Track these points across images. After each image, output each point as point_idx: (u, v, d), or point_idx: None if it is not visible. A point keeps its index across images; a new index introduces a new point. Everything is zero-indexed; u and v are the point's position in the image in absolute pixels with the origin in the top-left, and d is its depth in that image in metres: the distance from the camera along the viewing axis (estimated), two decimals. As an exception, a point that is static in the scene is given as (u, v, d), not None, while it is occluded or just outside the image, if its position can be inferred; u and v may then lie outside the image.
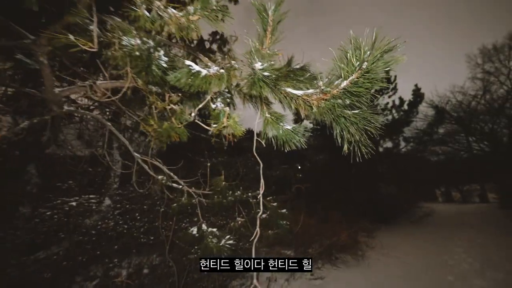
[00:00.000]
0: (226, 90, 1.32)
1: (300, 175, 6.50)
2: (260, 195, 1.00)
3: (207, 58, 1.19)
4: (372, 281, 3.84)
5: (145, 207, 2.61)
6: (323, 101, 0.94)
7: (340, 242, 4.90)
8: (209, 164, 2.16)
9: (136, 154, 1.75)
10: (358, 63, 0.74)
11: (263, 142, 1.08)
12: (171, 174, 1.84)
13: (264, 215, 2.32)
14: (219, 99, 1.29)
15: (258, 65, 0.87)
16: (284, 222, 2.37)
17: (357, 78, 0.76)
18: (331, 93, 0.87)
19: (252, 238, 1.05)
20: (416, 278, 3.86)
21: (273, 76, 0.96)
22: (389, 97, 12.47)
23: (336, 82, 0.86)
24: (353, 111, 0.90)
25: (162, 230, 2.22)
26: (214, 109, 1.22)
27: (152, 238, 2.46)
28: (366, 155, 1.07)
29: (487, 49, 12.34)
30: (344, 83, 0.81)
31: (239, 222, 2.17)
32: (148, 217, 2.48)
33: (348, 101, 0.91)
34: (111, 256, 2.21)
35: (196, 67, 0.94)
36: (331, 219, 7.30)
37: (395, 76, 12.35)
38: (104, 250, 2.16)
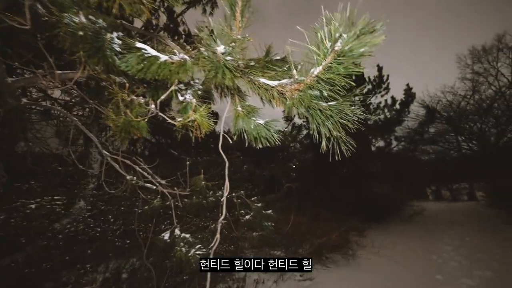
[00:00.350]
0: (197, 81, 1.20)
1: (294, 174, 6.42)
2: (224, 198, 0.89)
3: (173, 44, 1.06)
4: (362, 281, 3.79)
5: (122, 208, 2.47)
6: (296, 92, 0.83)
7: (330, 241, 4.85)
8: (188, 162, 2.04)
9: (105, 152, 1.61)
10: (330, 44, 0.64)
11: (229, 139, 0.97)
12: (145, 173, 1.71)
13: (247, 216, 2.22)
14: (189, 91, 1.17)
15: (220, 49, 0.75)
16: (269, 223, 2.26)
17: (331, 62, 0.66)
18: (304, 82, 0.76)
19: (211, 245, 0.94)
20: (406, 278, 3.84)
21: (241, 63, 0.84)
22: (382, 96, 12.56)
23: (311, 70, 0.76)
24: (329, 103, 0.80)
25: (139, 233, 2.09)
26: (182, 102, 1.10)
27: (128, 241, 2.32)
28: (346, 153, 0.97)
29: (476, 50, 12.58)
30: (317, 70, 0.70)
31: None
32: (125, 219, 2.34)
33: (325, 93, 0.81)
34: (84, 261, 2.06)
35: (152, 52, 0.82)
36: (322, 218, 7.27)
37: (387, 76, 12.43)
38: (76, 255, 2.01)
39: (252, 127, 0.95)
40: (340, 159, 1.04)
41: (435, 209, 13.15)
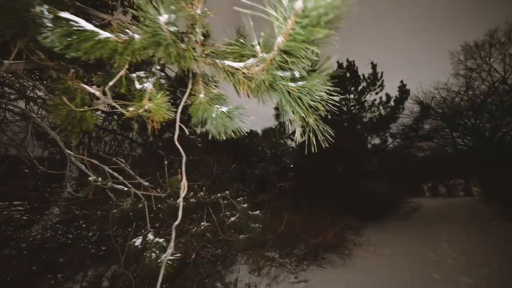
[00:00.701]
0: (159, 68, 1.06)
1: (291, 174, 6.29)
2: (181, 199, 0.75)
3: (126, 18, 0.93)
4: (358, 282, 3.68)
5: (99, 212, 2.31)
6: (262, 72, 0.70)
7: (326, 241, 4.74)
8: (166, 161, 1.90)
9: (68, 151, 1.46)
10: (288, 1, 0.51)
11: (186, 130, 0.84)
12: (115, 174, 1.57)
13: (233, 218, 2.08)
14: (150, 79, 1.03)
15: (163, 18, 0.62)
16: (256, 225, 2.13)
17: (292, 28, 0.53)
18: (268, 59, 0.64)
19: (164, 256, 0.80)
20: (403, 277, 3.74)
21: (195, 39, 0.71)
22: (376, 93, 12.54)
23: (274, 43, 0.63)
24: (297, 83, 0.67)
25: (117, 239, 1.94)
26: (140, 90, 0.96)
27: (103, 248, 2.16)
28: (323, 144, 0.85)
29: (469, 46, 12.62)
30: (279, 40, 0.58)
31: (203, 227, 1.92)
32: (102, 224, 2.18)
33: (297, 73, 0.68)
34: (56, 271, 1.90)
35: (87, 26, 0.68)
36: (317, 217, 7.16)
37: (382, 73, 12.41)
38: (45, 264, 1.85)
39: (214, 115, 0.82)
40: (316, 151, 0.91)
41: (431, 206, 13.17)
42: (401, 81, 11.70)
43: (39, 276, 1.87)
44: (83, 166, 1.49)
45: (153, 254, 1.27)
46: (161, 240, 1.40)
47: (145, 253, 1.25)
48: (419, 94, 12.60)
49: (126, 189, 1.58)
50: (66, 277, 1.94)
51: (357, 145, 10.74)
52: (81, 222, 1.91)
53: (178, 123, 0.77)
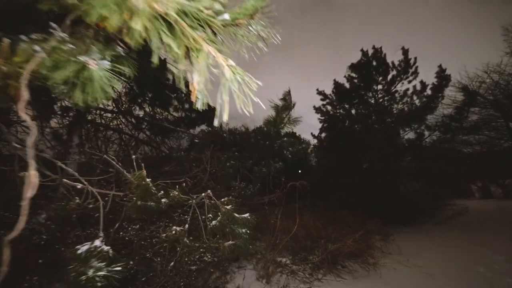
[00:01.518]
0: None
1: (300, 171, 5.80)
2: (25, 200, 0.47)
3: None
4: (383, 298, 3.12)
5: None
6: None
7: (347, 247, 4.19)
8: (134, 156, 1.68)
9: (16, 144, 1.31)
10: None
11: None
12: (70, 170, 1.39)
13: (214, 222, 1.79)
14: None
15: None
16: (244, 230, 1.81)
17: None
18: None
19: None
20: (442, 296, 3.07)
21: None
22: (409, 82, 11.17)
23: None
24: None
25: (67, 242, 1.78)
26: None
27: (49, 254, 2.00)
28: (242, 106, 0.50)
29: (528, 19, 10.50)
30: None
31: (175, 232, 1.66)
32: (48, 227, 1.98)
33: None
34: (30, 272, 1.80)
35: None
36: (340, 221, 6.54)
37: (415, 59, 11.02)
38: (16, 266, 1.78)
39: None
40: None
41: (481, 209, 11.35)
42: (440, 66, 10.20)
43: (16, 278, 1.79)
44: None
45: (89, 270, 1.04)
46: (106, 248, 1.17)
47: (74, 266, 1.02)
48: (463, 79, 10.87)
49: (80, 186, 1.38)
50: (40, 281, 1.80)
51: (387, 140, 9.67)
52: (49, 222, 1.80)
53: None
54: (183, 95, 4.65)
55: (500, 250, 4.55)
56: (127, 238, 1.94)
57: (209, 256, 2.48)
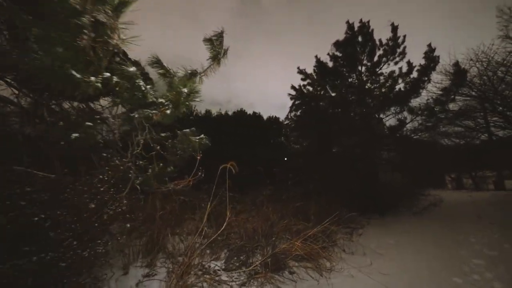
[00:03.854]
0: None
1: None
2: None
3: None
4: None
5: None
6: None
7: (295, 249, 3.27)
8: None
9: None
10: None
11: None
12: None
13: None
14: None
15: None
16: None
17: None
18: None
19: None
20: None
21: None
22: (396, 63, 10.24)
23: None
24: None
25: None
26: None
27: None
28: None
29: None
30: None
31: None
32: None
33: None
34: None
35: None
36: (305, 210, 5.69)
37: (404, 36, 10.03)
38: None
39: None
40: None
41: (455, 199, 11.17)
42: (429, 45, 9.29)
43: None
44: None
45: None
46: None
47: None
48: (452, 62, 10.07)
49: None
50: None
51: (367, 126, 8.84)
52: None
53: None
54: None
55: (478, 251, 3.86)
56: None
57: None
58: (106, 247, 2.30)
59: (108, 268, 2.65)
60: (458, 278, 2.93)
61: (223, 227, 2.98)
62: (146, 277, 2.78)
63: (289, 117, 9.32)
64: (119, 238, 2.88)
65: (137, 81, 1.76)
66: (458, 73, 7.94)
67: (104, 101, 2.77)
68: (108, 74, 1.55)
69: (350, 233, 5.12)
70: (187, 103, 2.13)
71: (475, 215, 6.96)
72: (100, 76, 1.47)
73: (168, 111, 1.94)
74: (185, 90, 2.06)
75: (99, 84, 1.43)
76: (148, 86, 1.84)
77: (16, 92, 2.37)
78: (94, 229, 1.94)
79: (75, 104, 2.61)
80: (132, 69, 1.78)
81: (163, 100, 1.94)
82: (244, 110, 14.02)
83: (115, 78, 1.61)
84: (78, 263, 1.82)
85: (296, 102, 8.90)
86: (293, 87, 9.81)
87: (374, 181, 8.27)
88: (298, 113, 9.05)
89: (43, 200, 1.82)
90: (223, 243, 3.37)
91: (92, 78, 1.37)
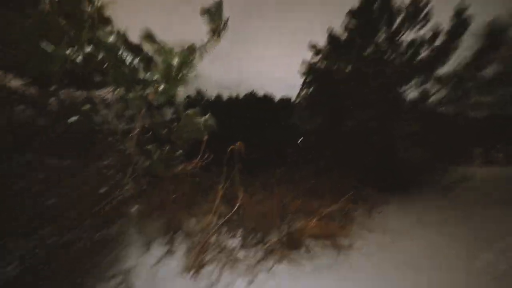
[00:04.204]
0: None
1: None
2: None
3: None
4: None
5: None
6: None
7: (311, 227, 3.21)
8: None
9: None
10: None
11: None
12: None
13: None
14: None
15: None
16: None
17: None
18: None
19: None
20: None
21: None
22: (419, 30, 9.23)
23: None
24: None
25: None
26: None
27: None
28: None
29: None
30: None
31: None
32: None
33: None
34: None
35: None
36: (321, 190, 5.55)
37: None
38: None
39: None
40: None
41: (485, 176, 10.44)
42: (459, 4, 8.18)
43: None
44: None
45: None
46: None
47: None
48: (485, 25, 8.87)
49: None
50: None
51: (385, 99, 8.26)
52: None
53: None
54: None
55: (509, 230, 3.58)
56: None
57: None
58: (123, 228, 2.35)
59: (129, 247, 2.75)
60: (489, 254, 2.72)
61: (236, 207, 2.96)
62: (166, 255, 2.87)
63: (300, 95, 8.93)
64: (137, 221, 2.96)
65: (120, 53, 1.65)
66: (494, 31, 6.95)
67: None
68: (90, 48, 1.45)
69: (368, 210, 4.97)
70: (180, 77, 2.00)
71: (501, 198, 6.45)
72: (81, 49, 1.37)
73: (160, 88, 1.83)
74: (175, 62, 1.93)
75: (79, 58, 1.33)
76: (137, 60, 1.74)
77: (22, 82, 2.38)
78: (106, 212, 1.96)
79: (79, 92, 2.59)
80: (112, 38, 1.67)
81: (159, 76, 1.83)
82: (254, 93, 13.73)
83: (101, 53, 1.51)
84: (94, 244, 1.87)
85: (307, 80, 8.45)
86: (303, 63, 9.27)
87: (392, 155, 7.84)
88: (310, 90, 8.63)
89: (57, 185, 1.85)
90: (238, 223, 3.39)
91: (68, 51, 1.28)
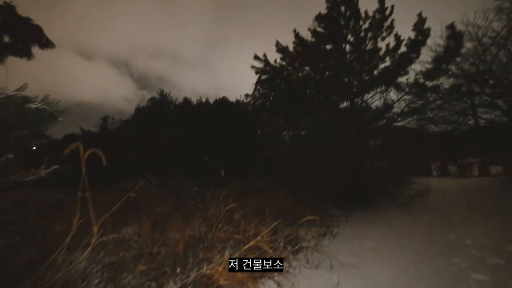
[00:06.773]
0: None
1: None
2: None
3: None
4: None
5: None
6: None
7: (219, 274, 2.20)
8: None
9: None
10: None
11: None
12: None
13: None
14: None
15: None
16: None
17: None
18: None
19: None
20: None
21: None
22: (383, 39, 9.15)
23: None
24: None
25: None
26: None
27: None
28: None
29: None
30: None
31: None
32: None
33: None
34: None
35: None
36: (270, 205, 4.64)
37: (392, 7, 8.90)
38: None
39: None
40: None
41: (442, 187, 10.58)
42: (419, 15, 8.22)
43: None
44: None
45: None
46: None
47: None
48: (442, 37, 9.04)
49: None
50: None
51: (349, 110, 7.86)
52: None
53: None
54: None
55: (471, 243, 2.97)
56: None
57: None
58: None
59: None
60: (453, 266, 1.98)
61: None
62: None
63: (255, 95, 8.08)
64: None
65: None
66: (453, 37, 6.90)
67: None
68: None
69: (322, 234, 4.16)
70: None
71: (464, 203, 6.23)
72: None
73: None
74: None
75: None
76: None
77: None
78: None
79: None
80: None
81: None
82: (226, 98, 12.90)
83: None
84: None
85: (263, 77, 7.65)
86: (256, 57, 8.37)
87: (358, 171, 7.35)
88: (265, 90, 7.84)
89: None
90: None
91: None
